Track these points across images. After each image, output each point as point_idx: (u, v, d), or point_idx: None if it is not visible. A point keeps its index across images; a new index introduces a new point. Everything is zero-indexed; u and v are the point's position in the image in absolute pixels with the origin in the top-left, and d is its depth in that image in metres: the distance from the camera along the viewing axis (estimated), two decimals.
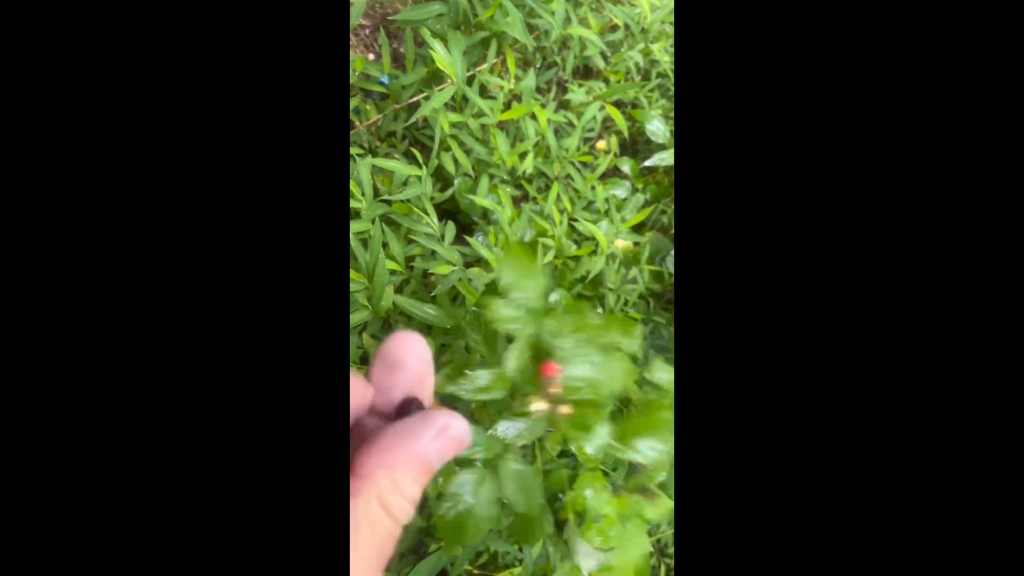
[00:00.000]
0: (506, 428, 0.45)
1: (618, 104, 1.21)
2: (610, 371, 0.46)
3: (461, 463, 0.52)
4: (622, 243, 1.17)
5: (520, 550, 0.87)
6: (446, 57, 0.73)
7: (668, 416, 0.48)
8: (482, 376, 0.44)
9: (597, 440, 0.43)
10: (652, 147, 1.30)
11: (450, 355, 0.82)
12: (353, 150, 0.87)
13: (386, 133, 0.96)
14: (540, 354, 0.44)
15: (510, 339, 0.49)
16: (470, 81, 0.89)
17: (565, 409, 0.42)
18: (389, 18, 1.01)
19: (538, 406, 0.42)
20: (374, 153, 0.92)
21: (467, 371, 0.51)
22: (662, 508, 0.50)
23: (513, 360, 0.43)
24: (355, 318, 0.69)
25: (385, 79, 0.88)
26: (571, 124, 1.12)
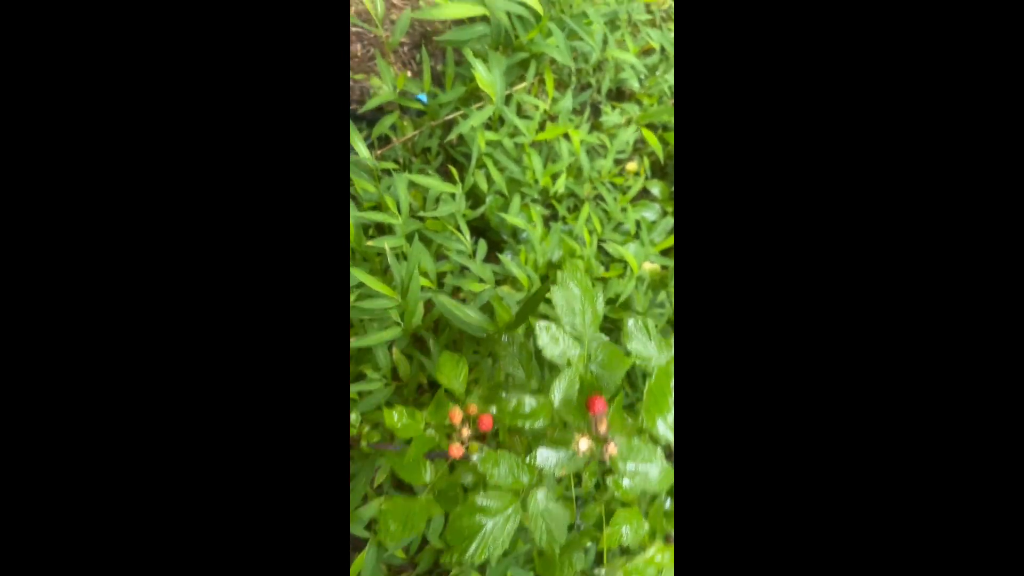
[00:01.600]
0: (546, 456, 0.43)
1: (649, 127, 1.20)
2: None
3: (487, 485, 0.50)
4: (650, 266, 1.15)
5: None
6: (487, 77, 0.73)
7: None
8: (529, 401, 0.42)
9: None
10: None
11: (477, 374, 0.81)
12: (388, 165, 0.87)
13: (421, 149, 0.96)
14: (586, 387, 0.42)
15: (551, 364, 0.48)
16: (507, 100, 0.89)
17: (612, 449, 0.40)
18: (436, 39, 1.02)
19: (584, 443, 0.40)
20: (408, 168, 0.93)
21: (503, 394, 0.50)
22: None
23: (561, 392, 0.41)
24: (386, 335, 0.68)
25: (424, 96, 0.89)
26: (603, 146, 1.11)
